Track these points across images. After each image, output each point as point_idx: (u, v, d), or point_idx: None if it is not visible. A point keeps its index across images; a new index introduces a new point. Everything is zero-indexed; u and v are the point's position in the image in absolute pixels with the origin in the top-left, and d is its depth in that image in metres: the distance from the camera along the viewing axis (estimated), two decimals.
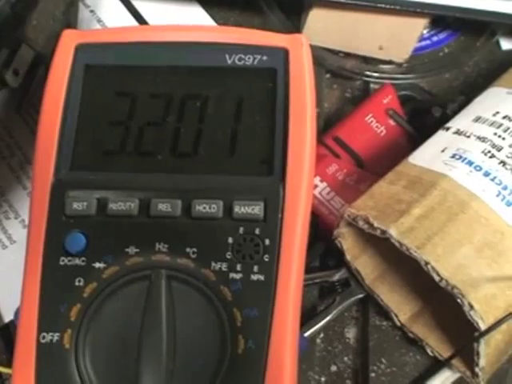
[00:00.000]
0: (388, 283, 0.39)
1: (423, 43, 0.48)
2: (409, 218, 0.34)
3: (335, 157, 0.42)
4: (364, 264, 0.39)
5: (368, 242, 0.38)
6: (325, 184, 0.41)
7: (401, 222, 0.34)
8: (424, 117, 0.43)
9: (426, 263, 0.33)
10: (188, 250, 0.32)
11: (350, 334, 0.40)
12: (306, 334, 0.38)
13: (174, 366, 0.30)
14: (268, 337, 0.30)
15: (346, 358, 0.40)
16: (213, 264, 0.32)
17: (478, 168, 0.36)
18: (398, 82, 0.46)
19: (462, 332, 0.35)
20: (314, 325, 0.38)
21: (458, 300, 0.32)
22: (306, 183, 0.33)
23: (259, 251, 0.32)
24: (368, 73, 0.46)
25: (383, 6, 0.41)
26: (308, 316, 0.38)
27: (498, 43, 0.48)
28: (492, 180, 0.35)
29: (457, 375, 0.38)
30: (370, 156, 0.42)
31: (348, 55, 0.47)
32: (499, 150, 0.36)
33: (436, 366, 0.38)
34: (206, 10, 0.47)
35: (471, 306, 0.32)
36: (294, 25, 0.46)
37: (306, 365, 0.39)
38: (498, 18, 0.44)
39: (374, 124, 0.43)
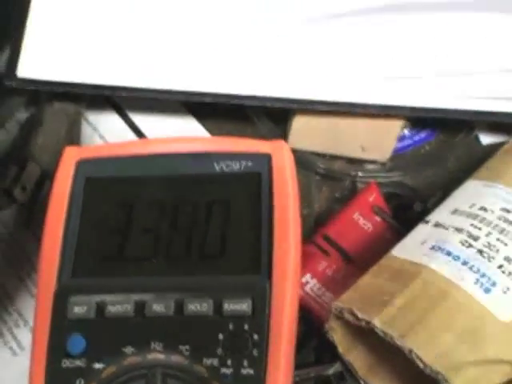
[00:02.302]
0: (381, 374, 0.40)
1: (405, 142, 0.51)
2: (391, 308, 0.36)
3: (324, 254, 0.44)
4: (356, 356, 0.40)
5: (358, 334, 0.40)
6: (315, 280, 0.43)
7: (384, 312, 0.36)
8: (407, 211, 0.45)
9: (410, 351, 0.34)
10: (181, 347, 0.34)
11: None
12: None
13: None
14: None
15: None
16: (205, 360, 0.33)
17: (456, 258, 0.38)
18: (383, 181, 0.48)
19: None
20: None
21: None
22: (291, 280, 0.35)
23: (248, 346, 0.33)
24: (354, 173, 0.49)
25: (359, 110, 0.44)
26: None
27: (477, 138, 0.51)
28: (470, 268, 0.37)
29: None
30: (357, 251, 0.44)
31: (334, 157, 0.50)
32: (476, 239, 0.38)
33: None
34: (200, 122, 0.50)
35: None
36: (282, 131, 0.49)
37: None
38: (474, 116, 0.47)
39: (361, 221, 0.45)
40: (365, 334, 0.40)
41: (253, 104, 0.44)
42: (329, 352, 0.41)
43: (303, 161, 0.49)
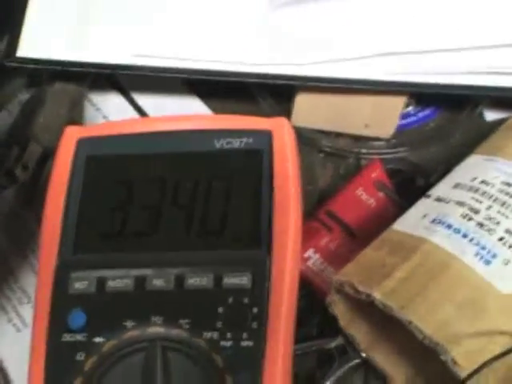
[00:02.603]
0: (383, 347, 0.40)
1: (409, 119, 0.50)
2: (391, 280, 0.36)
3: (328, 230, 0.44)
4: (358, 330, 0.40)
5: (360, 308, 0.40)
6: (318, 255, 0.43)
7: (384, 285, 0.36)
8: (410, 187, 0.45)
9: (409, 322, 0.34)
10: (181, 321, 0.34)
11: None
12: None
13: None
14: None
15: None
16: (204, 333, 0.33)
17: (456, 231, 0.37)
18: (387, 157, 0.48)
19: None
20: None
21: (442, 357, 0.34)
22: (290, 254, 0.36)
23: (248, 319, 0.34)
24: (358, 150, 0.48)
25: (361, 87, 0.44)
26: None
27: (481, 115, 0.51)
28: (470, 241, 0.37)
29: None
30: (361, 226, 0.44)
31: (339, 135, 0.50)
32: (476, 212, 0.38)
33: None
34: (204, 101, 0.50)
35: (455, 362, 0.33)
36: (286, 110, 0.49)
37: None
38: (479, 91, 0.46)
39: (365, 197, 0.45)
40: (366, 308, 0.40)
41: (254, 81, 0.44)
42: (331, 326, 0.42)
43: (307, 138, 0.49)
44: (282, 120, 0.40)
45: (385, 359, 0.40)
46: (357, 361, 0.40)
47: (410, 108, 0.51)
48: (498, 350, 0.34)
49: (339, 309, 0.40)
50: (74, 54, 0.43)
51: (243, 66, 0.43)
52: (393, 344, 0.40)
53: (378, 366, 0.40)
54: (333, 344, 0.41)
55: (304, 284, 0.42)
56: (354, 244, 0.43)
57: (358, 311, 0.40)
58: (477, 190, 0.39)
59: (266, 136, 0.39)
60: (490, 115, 0.51)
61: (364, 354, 0.40)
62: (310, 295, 0.42)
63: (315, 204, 0.47)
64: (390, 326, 0.40)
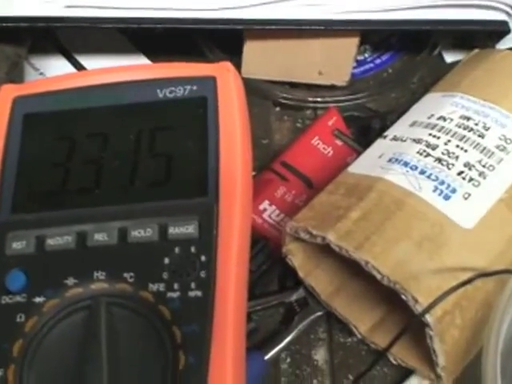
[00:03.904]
0: (345, 296, 0.38)
1: (367, 66, 0.49)
2: (346, 221, 0.34)
3: (283, 180, 0.42)
4: (318, 279, 0.38)
5: (320, 256, 0.38)
6: (274, 207, 0.41)
7: (338, 226, 0.34)
8: (367, 132, 0.43)
9: (366, 263, 0.33)
10: (125, 274, 0.32)
11: (318, 355, 0.40)
12: (267, 357, 0.37)
13: None
14: (208, 351, 0.30)
15: (315, 381, 0.39)
16: (150, 285, 0.32)
17: (413, 167, 0.36)
18: (346, 104, 0.46)
19: (422, 335, 0.34)
20: (274, 347, 0.37)
21: (402, 296, 0.32)
22: (239, 201, 0.34)
23: (196, 268, 0.32)
24: (314, 99, 0.47)
25: (313, 27, 0.42)
26: (271, 341, 0.38)
27: (441, 57, 0.49)
28: (428, 177, 0.35)
29: (425, 383, 0.37)
30: (318, 176, 0.42)
31: (294, 86, 0.48)
32: (434, 148, 0.37)
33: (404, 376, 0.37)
34: (151, 59, 0.48)
35: (415, 300, 0.32)
36: (237, 65, 0.47)
37: None
38: (431, 26, 0.45)
39: (321, 146, 0.43)
40: (327, 257, 0.38)
41: (197, 27, 0.42)
42: (292, 279, 0.40)
43: (261, 90, 0.47)
44: (227, 64, 0.38)
45: (347, 308, 0.38)
46: (319, 313, 0.39)
47: (367, 55, 0.49)
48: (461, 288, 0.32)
49: (298, 259, 0.38)
50: (4, 10, 0.40)
51: (184, 12, 0.41)
52: (356, 293, 0.39)
53: (340, 316, 0.38)
54: (294, 297, 0.39)
55: (261, 237, 0.40)
56: (311, 194, 0.41)
57: (318, 261, 0.38)
58: (434, 127, 0.38)
59: (210, 82, 0.37)
60: (450, 57, 0.49)
61: (325, 305, 0.38)
62: (268, 248, 0.40)
63: (272, 158, 0.45)
64: (352, 275, 0.39)
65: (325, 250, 0.35)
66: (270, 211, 0.41)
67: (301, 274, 0.38)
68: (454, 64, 0.47)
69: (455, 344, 0.33)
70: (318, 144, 0.43)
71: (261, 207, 0.41)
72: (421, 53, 0.49)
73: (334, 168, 0.43)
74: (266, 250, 0.40)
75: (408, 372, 0.37)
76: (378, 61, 0.49)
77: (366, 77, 0.49)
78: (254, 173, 0.43)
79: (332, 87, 0.47)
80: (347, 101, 0.46)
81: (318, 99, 0.46)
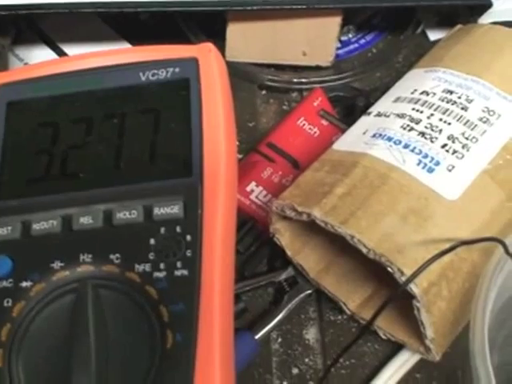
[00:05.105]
0: (334, 274, 0.39)
1: (351, 47, 0.49)
2: (331, 197, 0.34)
3: (269, 161, 0.42)
4: (306, 258, 0.39)
5: (307, 235, 0.38)
6: (261, 188, 0.41)
7: (324, 202, 0.34)
8: (352, 111, 0.43)
9: (352, 237, 0.33)
10: (111, 256, 0.32)
11: (309, 334, 0.40)
12: (257, 337, 0.37)
13: (106, 372, 0.30)
14: (195, 329, 0.30)
15: (307, 360, 0.39)
16: (136, 266, 0.32)
17: (397, 142, 0.36)
18: (331, 85, 0.46)
19: (410, 309, 0.34)
20: (264, 326, 0.37)
21: (388, 268, 0.32)
22: (223, 181, 0.34)
23: (181, 248, 0.32)
24: (299, 80, 0.47)
25: (290, 7, 0.42)
26: (261, 320, 0.38)
27: (425, 36, 0.49)
28: (412, 151, 0.35)
29: (416, 358, 0.37)
30: (305, 156, 0.42)
31: (280, 69, 0.48)
32: (417, 122, 0.37)
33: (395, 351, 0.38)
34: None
35: (401, 272, 0.32)
36: (221, 49, 0.47)
37: (264, 368, 0.38)
38: (414, 1, 0.45)
39: (307, 126, 0.43)
40: (314, 235, 0.38)
41: (175, 9, 0.42)
42: (281, 260, 0.40)
43: (246, 73, 0.47)
44: (208, 45, 0.38)
45: (337, 286, 0.38)
46: (308, 291, 0.39)
47: (351, 35, 0.49)
48: (445, 258, 0.32)
49: (285, 238, 0.38)
50: None
51: None
52: (344, 270, 0.39)
53: (329, 294, 0.38)
54: (283, 276, 0.39)
55: (249, 218, 0.40)
56: (298, 174, 0.41)
57: (306, 239, 0.39)
58: (417, 101, 0.38)
59: (193, 64, 0.37)
60: (433, 35, 0.49)
61: (314, 283, 0.38)
62: (257, 229, 0.40)
63: (258, 141, 0.45)
64: (340, 252, 0.39)
65: (312, 228, 0.36)
66: (257, 192, 0.41)
67: (289, 253, 0.38)
68: (438, 42, 0.48)
69: (443, 316, 0.33)
70: (304, 125, 0.43)
71: (248, 188, 0.41)
72: (403, 31, 0.49)
73: (320, 148, 0.43)
74: (254, 231, 0.40)
75: (399, 347, 0.37)
76: (362, 41, 0.49)
77: (350, 57, 0.49)
78: (240, 155, 0.44)
79: (317, 68, 0.47)
80: (332, 81, 0.46)
81: (303, 80, 0.46)
